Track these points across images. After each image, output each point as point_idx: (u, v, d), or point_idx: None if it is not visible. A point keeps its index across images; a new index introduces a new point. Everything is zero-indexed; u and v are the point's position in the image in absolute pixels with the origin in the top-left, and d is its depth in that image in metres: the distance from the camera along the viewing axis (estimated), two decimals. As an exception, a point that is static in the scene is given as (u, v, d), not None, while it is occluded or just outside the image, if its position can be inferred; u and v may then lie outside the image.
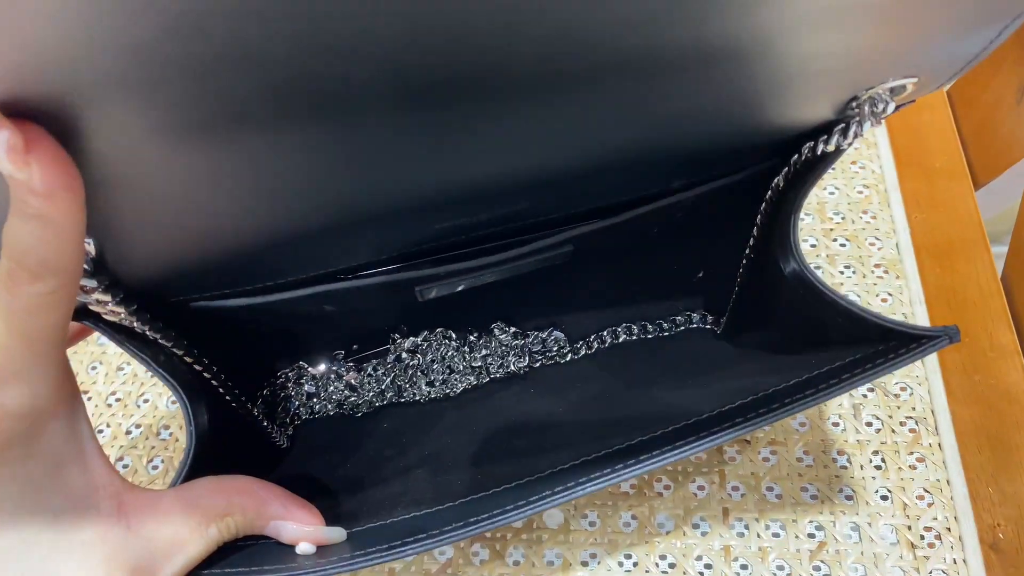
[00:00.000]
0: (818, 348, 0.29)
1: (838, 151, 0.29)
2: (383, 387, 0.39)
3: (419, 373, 0.40)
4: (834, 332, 0.30)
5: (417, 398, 0.39)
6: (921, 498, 0.38)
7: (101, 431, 0.43)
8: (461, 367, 0.40)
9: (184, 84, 0.17)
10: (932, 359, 0.41)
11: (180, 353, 0.29)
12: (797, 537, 0.37)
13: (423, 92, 0.20)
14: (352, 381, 0.39)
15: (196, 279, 0.28)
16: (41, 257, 0.20)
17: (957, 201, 0.47)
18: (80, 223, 0.20)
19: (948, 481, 0.38)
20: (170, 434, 0.42)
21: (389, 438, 0.37)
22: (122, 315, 0.26)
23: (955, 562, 0.36)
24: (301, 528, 0.27)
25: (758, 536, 0.37)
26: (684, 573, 0.36)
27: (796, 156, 0.30)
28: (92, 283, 0.24)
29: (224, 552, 0.27)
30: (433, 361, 0.40)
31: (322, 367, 0.40)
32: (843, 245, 0.46)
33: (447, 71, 0.19)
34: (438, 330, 0.40)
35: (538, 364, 0.40)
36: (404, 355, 0.40)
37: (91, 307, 0.25)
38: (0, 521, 0.22)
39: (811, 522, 0.37)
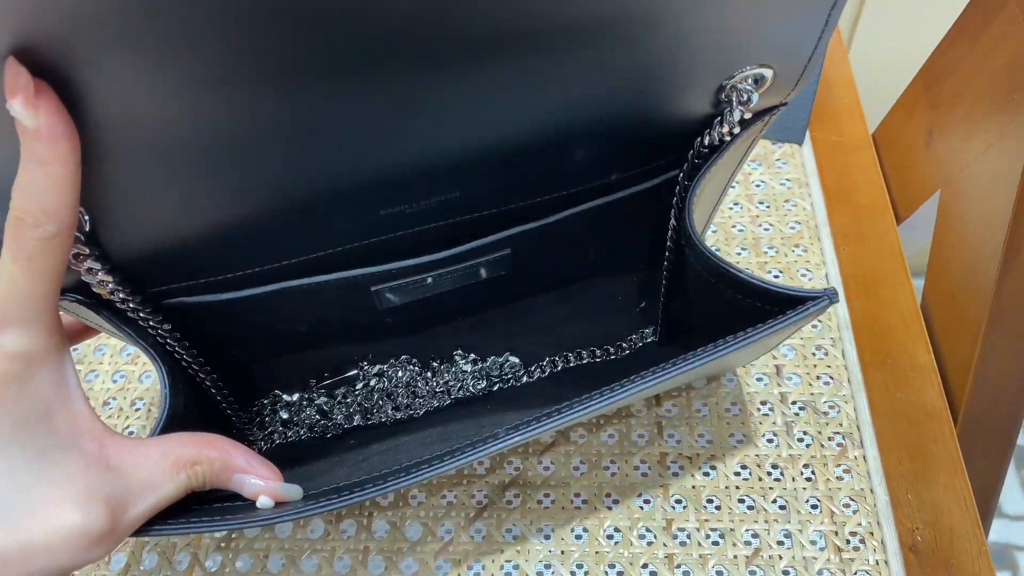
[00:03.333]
0: (732, 327, 0.32)
1: (722, 142, 0.33)
2: (351, 411, 0.42)
3: (385, 398, 0.43)
4: (740, 310, 0.33)
5: (384, 420, 0.42)
6: (847, 506, 0.41)
7: (108, 403, 0.48)
8: (425, 391, 0.43)
9: (175, 48, 0.21)
10: (858, 378, 0.45)
11: (165, 340, 0.33)
12: (735, 544, 0.40)
13: (379, 56, 0.24)
14: (323, 407, 0.42)
15: (173, 263, 0.31)
16: (43, 203, 0.23)
17: (881, 235, 0.51)
18: (75, 172, 0.24)
19: (871, 490, 0.41)
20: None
21: (354, 451, 0.40)
22: (112, 289, 0.29)
23: (878, 563, 0.39)
24: (261, 482, 0.30)
25: (699, 544, 0.40)
26: (631, 579, 0.39)
27: (691, 151, 0.34)
28: (85, 250, 0.27)
29: (191, 504, 0.30)
30: (398, 386, 0.43)
31: (296, 395, 0.43)
32: (776, 276, 0.50)
33: (401, 30, 0.23)
34: (403, 357, 0.43)
35: (496, 387, 0.44)
36: (372, 381, 0.43)
37: (84, 278, 0.29)
38: None
39: (747, 530, 0.41)
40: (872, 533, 0.40)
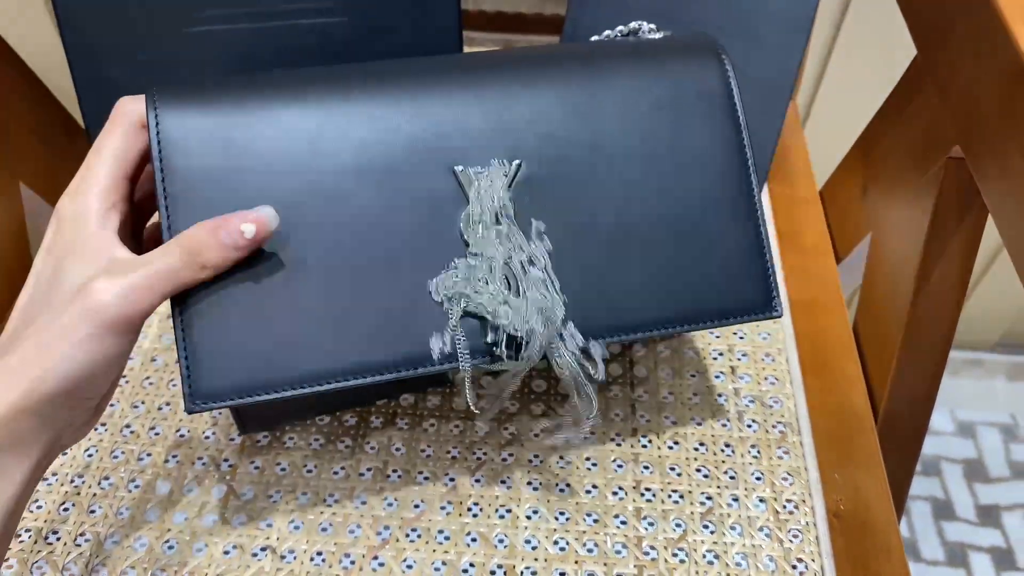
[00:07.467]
0: None
1: None
2: None
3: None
4: None
5: None
6: (785, 479, 0.49)
7: (116, 456, 0.50)
8: None
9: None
10: (798, 381, 0.54)
11: None
12: (692, 504, 0.48)
13: None
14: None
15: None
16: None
17: (823, 271, 0.61)
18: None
19: (805, 468, 0.50)
20: (177, 462, 0.50)
21: None
22: None
23: (807, 525, 0.47)
24: (236, 219, 0.35)
25: (662, 502, 0.48)
26: (605, 527, 0.47)
27: None
28: None
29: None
30: None
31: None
32: (736, 297, 0.59)
33: None
34: None
35: None
36: None
37: None
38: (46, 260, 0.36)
39: (703, 493, 0.49)
40: (804, 501, 0.48)
